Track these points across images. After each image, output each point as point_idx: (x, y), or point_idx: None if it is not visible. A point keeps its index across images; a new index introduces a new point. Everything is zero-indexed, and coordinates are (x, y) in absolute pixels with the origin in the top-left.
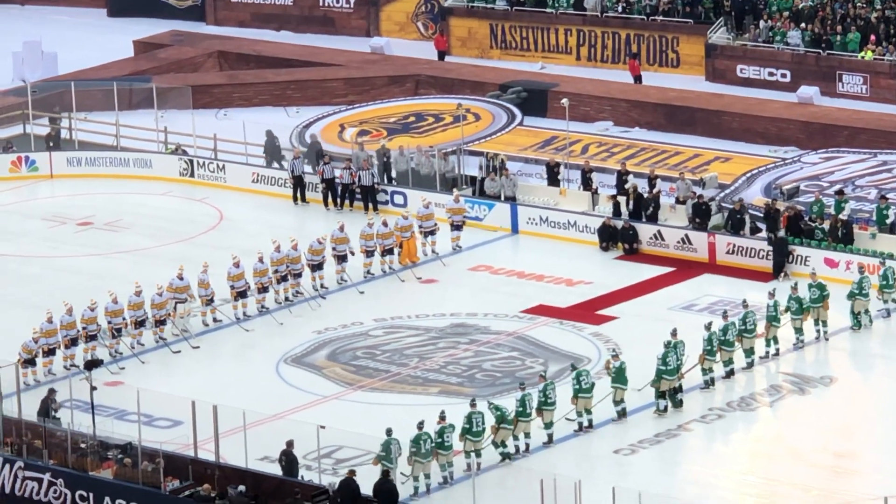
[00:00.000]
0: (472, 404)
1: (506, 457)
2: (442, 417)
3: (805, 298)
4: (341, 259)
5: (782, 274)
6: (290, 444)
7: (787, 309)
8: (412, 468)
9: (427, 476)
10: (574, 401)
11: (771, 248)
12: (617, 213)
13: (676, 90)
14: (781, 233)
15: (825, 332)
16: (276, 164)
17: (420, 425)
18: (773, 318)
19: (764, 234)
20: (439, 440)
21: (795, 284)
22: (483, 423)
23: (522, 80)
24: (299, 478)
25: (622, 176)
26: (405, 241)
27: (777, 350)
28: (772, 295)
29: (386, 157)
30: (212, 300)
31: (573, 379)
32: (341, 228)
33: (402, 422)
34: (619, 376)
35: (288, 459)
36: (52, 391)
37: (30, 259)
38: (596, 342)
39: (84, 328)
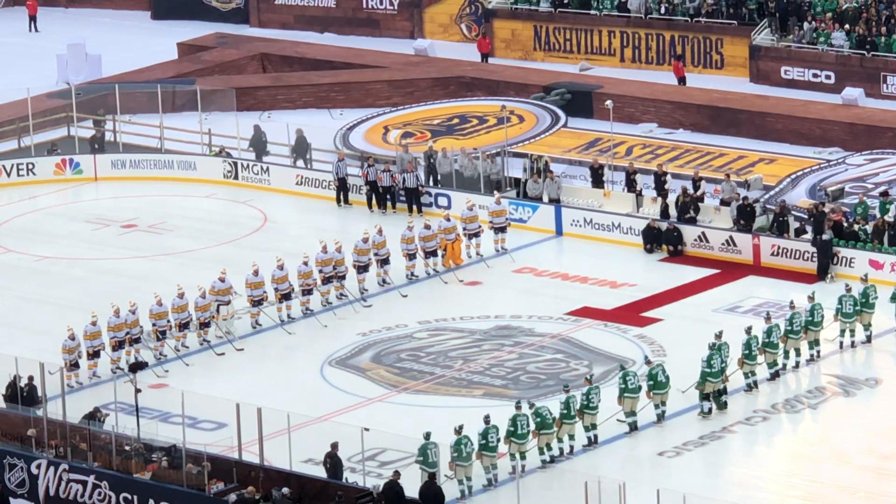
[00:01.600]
0: (518, 406)
1: (544, 463)
2: (486, 420)
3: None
4: (383, 262)
5: (828, 276)
6: (335, 446)
7: (838, 311)
8: (454, 472)
9: (469, 479)
10: (620, 401)
11: (815, 249)
12: (665, 215)
13: (720, 92)
14: (826, 235)
15: (869, 335)
16: (258, 160)
17: (459, 429)
18: (811, 322)
19: (808, 235)
20: (483, 441)
21: (850, 287)
22: (528, 426)
23: (566, 81)
24: (344, 480)
25: (660, 177)
26: (449, 243)
27: (818, 352)
28: (811, 298)
29: (432, 158)
30: (261, 301)
31: (620, 379)
32: (380, 232)
33: (446, 424)
34: (654, 382)
35: (333, 462)
36: (97, 410)
37: (74, 261)
38: (640, 344)
39: (127, 332)
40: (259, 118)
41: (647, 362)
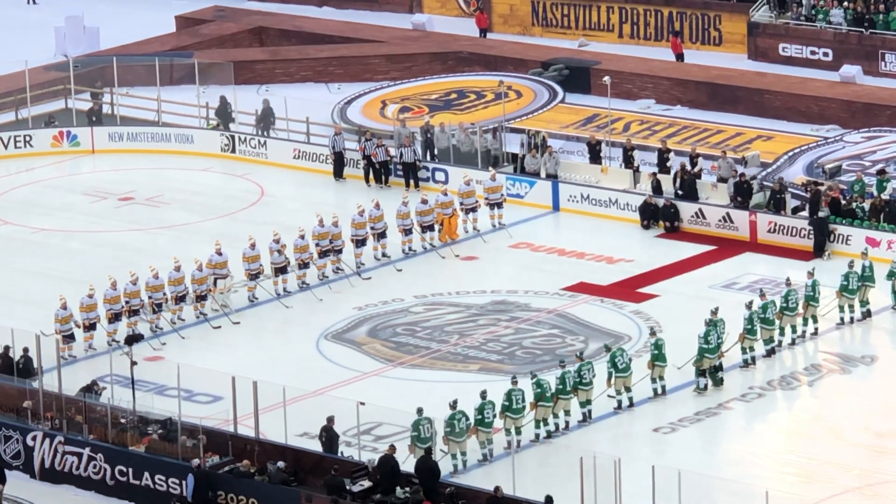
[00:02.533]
0: (514, 381)
1: (538, 437)
2: (483, 395)
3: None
4: (380, 236)
5: (826, 254)
6: (330, 419)
7: (843, 288)
8: (448, 447)
9: (463, 454)
10: (609, 383)
11: (812, 227)
12: (657, 191)
13: (718, 68)
14: (822, 213)
15: (868, 311)
16: (225, 129)
17: (453, 404)
18: (811, 297)
19: (806, 213)
20: (479, 417)
21: (852, 262)
22: (523, 401)
23: (564, 57)
24: (339, 454)
25: (663, 154)
26: (446, 218)
27: (816, 329)
28: (811, 274)
29: (429, 133)
30: (258, 275)
31: (608, 361)
32: (377, 206)
33: (441, 399)
34: (658, 353)
35: (328, 435)
36: (95, 383)
37: (71, 234)
38: (637, 320)
39: (127, 302)
40: (257, 92)
41: (653, 333)
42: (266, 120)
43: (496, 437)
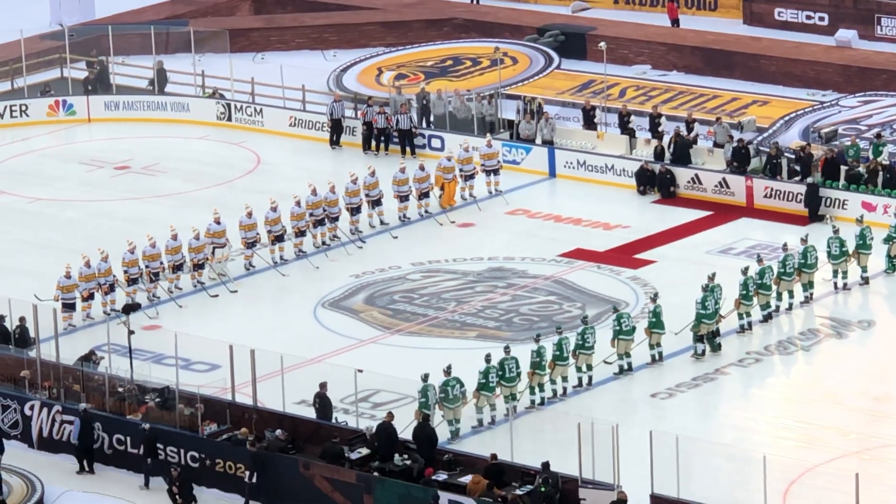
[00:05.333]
0: (506, 350)
1: (533, 404)
2: (487, 359)
3: (848, 242)
4: (375, 203)
5: (828, 219)
6: (323, 385)
7: (828, 253)
8: (443, 413)
9: (458, 421)
10: (614, 343)
11: (804, 195)
12: (660, 157)
13: (714, 33)
14: (812, 178)
15: (866, 277)
16: (159, 93)
17: (447, 370)
18: (804, 264)
19: (810, 178)
20: (483, 381)
21: (837, 229)
22: (517, 369)
23: (560, 23)
24: (334, 420)
25: (655, 119)
26: (447, 183)
27: (811, 294)
28: (804, 241)
29: (425, 100)
30: (254, 243)
31: (614, 321)
32: (372, 173)
33: (439, 366)
34: (656, 320)
35: (322, 402)
36: (93, 352)
37: (67, 203)
38: (634, 286)
39: (126, 271)
40: (252, 60)
41: (653, 299)
42: (161, 81)
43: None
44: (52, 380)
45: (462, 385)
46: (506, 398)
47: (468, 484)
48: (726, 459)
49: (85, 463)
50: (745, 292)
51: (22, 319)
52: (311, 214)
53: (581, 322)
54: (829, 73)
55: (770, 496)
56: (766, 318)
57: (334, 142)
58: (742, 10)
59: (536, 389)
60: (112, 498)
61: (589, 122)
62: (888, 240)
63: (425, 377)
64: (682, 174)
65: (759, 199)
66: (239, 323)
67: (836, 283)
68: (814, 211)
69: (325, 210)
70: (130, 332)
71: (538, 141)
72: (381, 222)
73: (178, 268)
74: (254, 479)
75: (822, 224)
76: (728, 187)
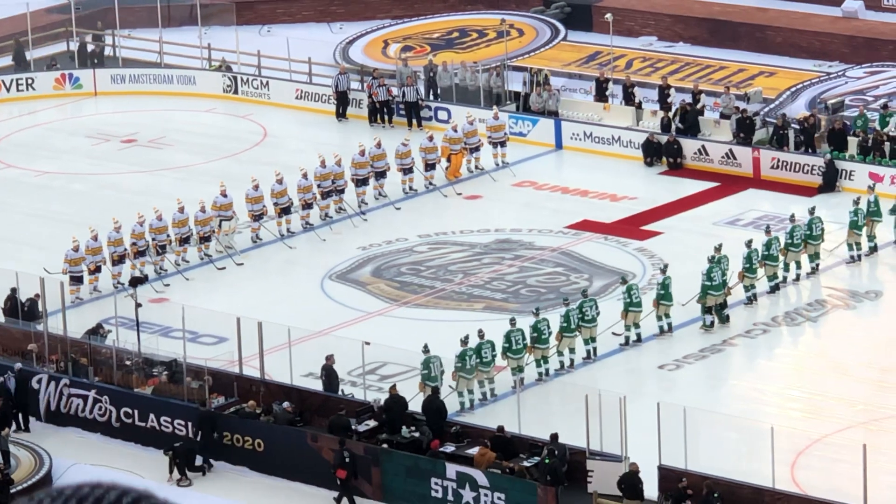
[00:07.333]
0: (512, 322)
1: (540, 376)
2: (480, 335)
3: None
4: (379, 175)
5: (837, 187)
6: (330, 358)
7: (852, 224)
8: (457, 383)
9: (471, 392)
10: (624, 315)
11: (822, 163)
12: (667, 129)
13: (720, 4)
14: (825, 152)
15: (874, 245)
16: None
17: (465, 340)
18: (810, 235)
19: (823, 151)
20: (507, 345)
21: (858, 199)
22: (523, 341)
23: None
24: (340, 392)
25: (664, 90)
26: (454, 154)
27: (817, 265)
28: (811, 212)
29: (433, 72)
30: (261, 216)
31: (624, 292)
32: (378, 145)
33: (446, 338)
34: (665, 292)
35: (328, 374)
36: (100, 325)
37: (74, 176)
38: (640, 257)
39: (133, 243)
40: (259, 33)
41: (662, 270)
42: (99, 56)
43: (499, 377)
44: (60, 353)
45: (493, 348)
46: (512, 370)
47: (475, 456)
48: (734, 430)
49: (21, 419)
50: (748, 265)
51: (36, 296)
52: (318, 186)
53: (581, 295)
54: (836, 44)
55: (777, 467)
56: (773, 290)
57: (340, 114)
58: None
59: (542, 362)
60: (119, 470)
61: (601, 94)
62: (894, 210)
63: (426, 349)
64: (689, 145)
65: (765, 170)
66: (246, 295)
67: (853, 256)
68: (831, 183)
69: (332, 182)
70: (138, 305)
71: (544, 112)
72: (381, 194)
73: (185, 240)
74: (198, 438)
75: (833, 194)
76: (735, 158)
